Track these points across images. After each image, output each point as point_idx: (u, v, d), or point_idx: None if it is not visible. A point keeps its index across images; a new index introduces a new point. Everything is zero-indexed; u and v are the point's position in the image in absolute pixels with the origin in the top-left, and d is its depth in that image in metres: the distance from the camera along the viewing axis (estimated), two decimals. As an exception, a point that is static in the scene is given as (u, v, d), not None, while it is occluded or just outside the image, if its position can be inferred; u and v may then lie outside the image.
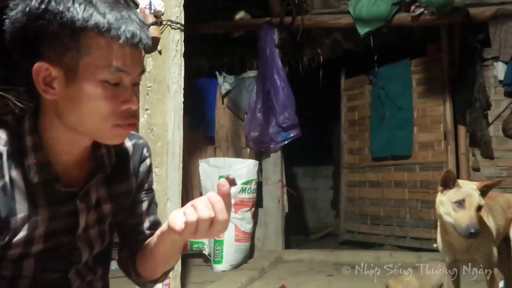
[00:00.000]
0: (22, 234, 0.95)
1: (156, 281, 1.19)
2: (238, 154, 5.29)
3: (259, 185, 5.04)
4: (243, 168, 4.57)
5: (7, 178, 0.93)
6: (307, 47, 5.51)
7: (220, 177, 4.49)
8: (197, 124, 5.40)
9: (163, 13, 2.67)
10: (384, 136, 5.42)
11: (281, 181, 5.13)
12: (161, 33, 2.67)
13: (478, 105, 4.67)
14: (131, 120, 0.96)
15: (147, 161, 1.18)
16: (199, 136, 5.44)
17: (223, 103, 5.42)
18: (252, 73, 5.29)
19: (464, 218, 2.21)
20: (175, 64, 2.76)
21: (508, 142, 4.84)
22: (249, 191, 4.58)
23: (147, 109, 2.69)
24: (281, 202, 5.13)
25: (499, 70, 4.78)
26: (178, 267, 2.79)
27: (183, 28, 2.83)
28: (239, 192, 4.51)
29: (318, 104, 6.82)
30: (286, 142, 5.00)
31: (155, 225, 1.20)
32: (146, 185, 1.18)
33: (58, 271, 1.03)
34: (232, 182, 0.93)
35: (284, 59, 5.25)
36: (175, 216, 0.93)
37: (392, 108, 5.37)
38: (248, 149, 5.22)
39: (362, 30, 4.90)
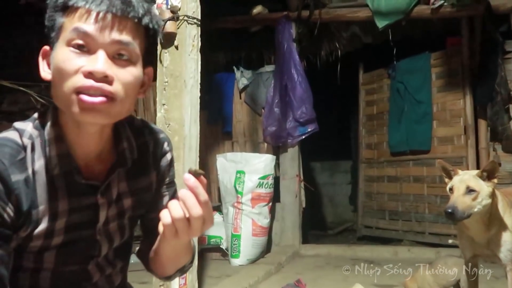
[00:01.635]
0: (43, 226, 0.96)
1: (170, 278, 1.20)
2: (255, 149, 5.30)
3: (277, 179, 5.04)
4: (260, 163, 4.57)
5: (30, 171, 0.94)
6: (325, 41, 5.48)
7: (238, 172, 4.52)
8: (215, 119, 5.42)
9: (179, 8, 2.68)
10: (403, 130, 5.36)
11: (298, 175, 5.12)
12: (178, 28, 2.68)
13: (499, 99, 4.58)
14: (92, 86, 0.91)
15: (168, 156, 1.17)
16: (217, 130, 5.46)
17: (240, 98, 5.43)
18: (269, 68, 5.29)
19: (449, 201, 2.21)
20: (191, 59, 2.77)
21: (530, 136, 4.75)
22: (266, 186, 4.58)
23: (164, 104, 2.71)
24: (299, 197, 5.12)
25: (521, 63, 4.69)
26: (195, 261, 2.80)
27: (199, 23, 2.84)
28: (256, 187, 4.52)
29: (336, 99, 6.79)
30: (303, 137, 4.99)
31: None
32: (167, 179, 1.18)
33: (78, 263, 1.05)
34: (196, 174, 0.89)
35: (302, 53, 5.23)
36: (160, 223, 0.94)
37: (411, 102, 5.30)
38: (266, 144, 5.22)
39: (380, 23, 4.85)
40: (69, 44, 0.92)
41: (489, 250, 2.36)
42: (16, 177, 0.92)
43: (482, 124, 4.83)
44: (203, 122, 5.25)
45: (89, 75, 0.91)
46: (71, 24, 0.93)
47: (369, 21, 4.93)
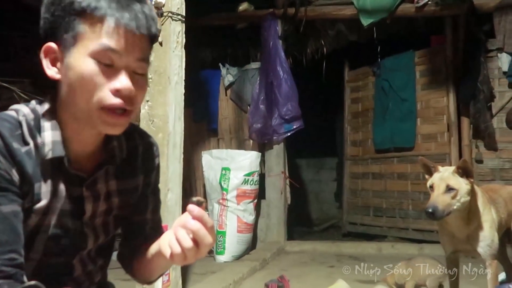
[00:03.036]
0: (44, 201, 0.98)
1: (153, 282, 1.24)
2: (241, 145, 5.31)
3: (262, 176, 5.06)
4: (246, 160, 4.58)
5: (31, 145, 0.97)
6: (311, 38, 5.51)
7: (223, 169, 4.53)
8: (200, 116, 5.43)
9: (164, 5, 2.67)
10: (387, 128, 5.41)
11: (284, 172, 5.14)
12: (162, 24, 2.67)
13: (482, 97, 4.66)
14: (121, 104, 0.96)
15: (156, 160, 1.20)
16: (202, 127, 5.46)
17: (226, 95, 5.44)
18: (255, 65, 5.30)
19: (430, 200, 2.25)
20: (176, 56, 2.76)
21: (511, 134, 4.82)
22: (251, 183, 4.59)
23: (148, 101, 2.70)
24: (284, 194, 5.14)
25: (504, 61, 4.76)
26: (179, 257, 2.81)
27: (184, 19, 2.83)
28: (242, 183, 4.53)
29: (322, 96, 6.82)
30: (288, 134, 5.01)
31: (158, 225, 1.23)
32: (153, 184, 1.21)
33: (64, 255, 1.06)
34: (198, 203, 0.95)
35: (288, 50, 5.25)
36: (164, 244, 1.00)
37: (396, 100, 5.35)
38: (251, 141, 5.24)
39: (365, 21, 4.88)
40: (94, 56, 0.94)
41: (469, 245, 2.40)
42: (17, 146, 0.95)
43: (465, 121, 4.90)
44: (188, 119, 5.29)
45: (116, 92, 0.95)
46: (95, 36, 0.93)
47: (355, 19, 4.97)
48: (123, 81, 0.95)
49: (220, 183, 4.57)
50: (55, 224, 1.02)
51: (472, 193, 2.31)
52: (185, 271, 3.83)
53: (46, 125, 1.00)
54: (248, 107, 5.21)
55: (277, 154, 5.12)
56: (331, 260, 4.58)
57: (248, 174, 4.57)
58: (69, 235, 1.05)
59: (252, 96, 5.11)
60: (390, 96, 5.41)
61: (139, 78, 0.99)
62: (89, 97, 0.95)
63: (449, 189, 2.24)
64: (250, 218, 4.62)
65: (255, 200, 4.72)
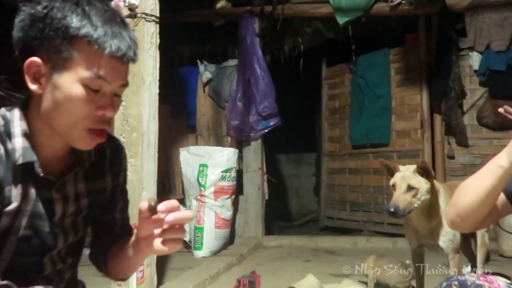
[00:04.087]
0: (15, 204, 1.03)
1: (125, 280, 1.31)
2: (219, 142, 5.36)
3: (240, 172, 5.12)
4: (223, 157, 4.64)
5: (2, 150, 1.01)
6: (288, 36, 5.56)
7: (201, 165, 4.58)
8: (179, 112, 5.46)
9: (137, 6, 2.71)
10: (363, 124, 5.51)
11: (261, 168, 5.21)
12: (136, 26, 2.71)
13: (453, 94, 4.78)
14: (103, 125, 1.04)
15: (124, 162, 1.27)
16: (181, 124, 5.49)
17: (204, 92, 5.48)
18: (233, 62, 5.34)
19: (392, 199, 2.36)
20: (150, 56, 2.81)
21: (482, 130, 4.96)
22: (229, 179, 4.66)
23: (122, 101, 2.74)
24: (261, 189, 5.21)
25: (474, 60, 4.88)
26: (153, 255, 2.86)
27: (158, 20, 2.87)
28: (219, 180, 4.59)
29: (300, 93, 6.89)
30: (266, 131, 5.08)
31: (127, 224, 1.30)
32: (121, 185, 1.27)
33: (35, 255, 1.10)
34: (152, 209, 1.00)
35: (265, 48, 5.30)
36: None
37: (371, 97, 5.45)
38: (229, 138, 5.29)
39: (341, 20, 4.96)
40: (84, 82, 0.99)
41: (432, 240, 2.50)
42: None
43: (438, 118, 5.02)
44: (167, 115, 5.34)
45: (102, 115, 1.03)
46: (88, 64, 0.99)
47: (331, 17, 5.03)
48: (109, 107, 1.03)
49: (197, 179, 4.63)
50: (26, 226, 1.06)
51: (432, 191, 2.40)
52: (162, 267, 3.89)
53: (17, 131, 1.04)
54: (226, 104, 5.26)
55: (254, 151, 5.19)
56: (307, 255, 4.67)
57: (226, 171, 4.63)
58: (39, 236, 1.09)
59: (230, 93, 5.16)
60: (366, 93, 5.51)
61: (117, 99, 1.07)
62: (75, 119, 1.02)
63: (410, 188, 2.35)
64: (227, 213, 4.69)
65: (233, 196, 4.78)
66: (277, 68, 5.49)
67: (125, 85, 1.07)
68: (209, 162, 4.61)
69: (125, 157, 1.27)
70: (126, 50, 1.01)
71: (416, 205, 2.35)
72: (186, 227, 4.72)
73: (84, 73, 0.99)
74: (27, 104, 1.08)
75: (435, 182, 2.49)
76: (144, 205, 1.00)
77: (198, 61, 5.43)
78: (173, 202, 1.00)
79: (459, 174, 4.88)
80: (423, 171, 2.38)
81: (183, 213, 1.01)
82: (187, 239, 4.74)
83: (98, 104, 1.02)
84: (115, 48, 0.99)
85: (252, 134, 5.07)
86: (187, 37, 5.53)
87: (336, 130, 6.06)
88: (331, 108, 6.18)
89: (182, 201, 4.98)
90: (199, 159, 4.68)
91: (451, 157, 5.01)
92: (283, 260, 4.45)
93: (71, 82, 0.99)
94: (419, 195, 2.35)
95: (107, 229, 1.26)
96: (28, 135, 1.05)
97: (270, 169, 5.61)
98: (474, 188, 1.18)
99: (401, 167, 2.45)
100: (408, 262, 2.83)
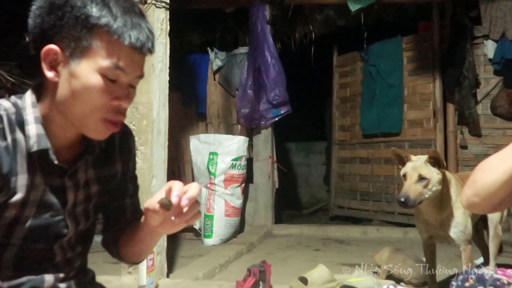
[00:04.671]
0: (20, 195, 1.01)
1: (138, 263, 1.31)
2: (229, 130, 5.34)
3: (250, 161, 5.11)
4: (233, 145, 4.62)
5: (9, 140, 1.00)
6: (299, 23, 5.49)
7: (211, 153, 4.57)
8: (189, 100, 5.44)
9: (147, -8, 2.68)
10: (375, 113, 5.46)
11: (271, 157, 5.19)
12: (146, 12, 2.68)
13: (467, 83, 4.70)
14: (118, 116, 1.03)
15: (133, 149, 1.27)
16: (191, 112, 5.48)
17: (214, 79, 5.45)
18: (243, 49, 5.30)
19: (402, 189, 2.32)
20: (160, 43, 2.78)
21: (495, 120, 4.89)
22: (239, 167, 4.64)
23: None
24: (271, 178, 5.20)
25: (489, 48, 4.80)
26: (164, 242, 2.87)
27: (168, 6, 2.84)
28: (229, 168, 4.57)
29: (311, 81, 6.84)
30: (276, 119, 5.04)
31: (137, 209, 1.28)
32: (131, 171, 1.27)
33: (45, 242, 1.09)
34: (165, 205, 0.99)
35: (276, 35, 5.25)
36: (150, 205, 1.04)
37: (383, 86, 5.39)
38: (239, 126, 5.26)
39: (353, 7, 4.87)
40: (102, 72, 0.99)
41: (443, 231, 2.47)
42: None
43: (450, 108, 4.95)
44: (177, 103, 5.32)
45: (118, 105, 1.02)
46: (107, 54, 0.98)
47: (343, 4, 4.95)
48: (125, 98, 1.03)
49: (207, 167, 4.62)
50: (35, 215, 1.05)
51: (443, 182, 2.36)
52: (173, 254, 3.90)
53: (30, 118, 1.03)
54: (236, 92, 5.23)
55: (264, 139, 5.16)
56: (317, 244, 4.66)
57: (236, 159, 4.62)
58: (50, 224, 1.08)
59: (240, 81, 5.13)
60: (378, 82, 5.45)
61: (132, 90, 1.06)
62: (91, 109, 1.01)
63: (421, 178, 2.30)
64: (237, 202, 4.68)
65: (243, 185, 4.77)
66: (288, 56, 5.43)
67: (141, 76, 1.06)
68: (219, 150, 4.59)
69: (134, 143, 1.27)
70: (145, 41, 1.00)
71: (427, 195, 2.31)
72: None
73: (102, 62, 0.98)
74: (39, 91, 1.07)
75: (447, 172, 2.45)
76: (156, 207, 1.00)
77: (208, 49, 5.39)
78: (179, 187, 0.99)
79: (472, 164, 4.82)
80: (435, 161, 2.34)
81: (193, 190, 1.00)
82: (197, 227, 4.75)
83: (114, 94, 1.01)
84: (134, 38, 0.98)
85: (262, 123, 5.04)
86: (197, 24, 5.50)
87: (347, 119, 6.01)
88: (342, 96, 6.12)
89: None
90: (209, 147, 4.67)
91: (464, 147, 4.95)
92: (293, 249, 4.44)
93: (89, 71, 0.99)
94: (430, 186, 2.31)
95: (118, 215, 1.26)
96: (41, 122, 1.04)
97: (280, 157, 5.58)
98: (497, 166, 1.12)
99: (413, 157, 2.40)
100: (424, 259, 2.79)
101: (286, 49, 5.51)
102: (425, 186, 2.31)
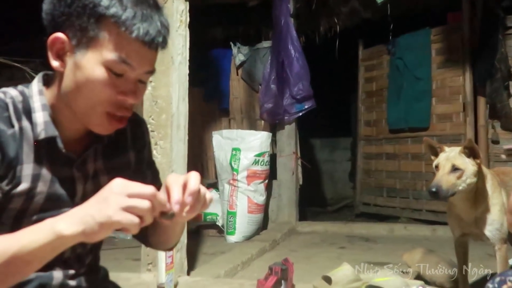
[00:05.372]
0: (25, 185, 0.98)
1: (171, 249, 1.28)
2: (252, 126, 5.27)
3: (273, 157, 5.03)
4: (256, 140, 4.55)
5: (16, 128, 0.97)
6: (324, 16, 5.38)
7: (234, 149, 4.52)
8: (211, 96, 5.40)
9: (166, -17, 2.62)
10: (402, 107, 5.31)
11: (295, 153, 5.10)
12: (165, 3, 2.63)
13: (499, 76, 4.51)
14: (123, 111, 0.99)
15: (146, 137, 1.22)
16: (213, 107, 5.44)
17: (237, 74, 5.39)
18: (266, 44, 5.22)
19: (434, 179, 2.19)
20: (179, 36, 2.72)
21: (529, 114, 4.68)
22: (262, 163, 4.57)
23: (151, 81, 2.67)
24: (295, 174, 5.11)
25: (523, 38, 4.60)
26: (184, 239, 2.81)
27: (188, -2, 2.78)
28: (252, 164, 4.50)
29: (336, 75, 6.72)
30: (300, 114, 4.94)
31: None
32: (147, 159, 1.23)
33: None
34: (169, 217, 0.89)
35: (300, 29, 5.15)
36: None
37: (410, 79, 5.24)
38: (263, 121, 5.19)
39: (379, -2, 4.74)
40: (107, 65, 0.94)
41: (477, 229, 2.34)
42: (3, 128, 0.95)
43: (481, 101, 4.77)
44: (199, 99, 5.28)
45: (123, 101, 0.98)
46: (114, 46, 0.94)
47: (368, -5, 4.83)
48: (131, 94, 0.98)
49: (230, 163, 4.56)
50: (44, 207, 1.01)
51: (479, 174, 2.23)
52: (195, 251, 3.86)
53: (37, 106, 1.00)
54: (259, 87, 5.15)
55: (288, 135, 5.08)
56: (342, 241, 4.55)
57: (259, 155, 4.54)
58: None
59: (263, 75, 5.05)
60: (405, 75, 5.30)
61: (141, 86, 1.02)
62: (94, 102, 0.97)
63: (454, 169, 2.17)
64: (260, 198, 4.61)
65: (266, 181, 4.69)
66: (312, 50, 5.33)
67: (152, 72, 1.01)
68: (242, 146, 4.52)
69: (147, 131, 1.23)
70: (155, 35, 0.95)
71: (461, 187, 2.18)
72: (219, 211, 4.67)
73: (108, 55, 0.94)
74: (48, 80, 1.04)
75: (482, 166, 2.32)
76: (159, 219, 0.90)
77: (231, 43, 5.33)
78: (177, 188, 0.89)
79: (504, 160, 4.64)
80: (470, 152, 2.20)
81: (193, 184, 0.90)
82: (220, 223, 4.70)
83: (120, 89, 0.97)
84: (143, 32, 0.93)
85: (286, 118, 4.96)
86: (220, 18, 5.44)
87: (373, 114, 5.87)
88: (368, 91, 5.98)
89: (214, 185, 4.93)
90: (232, 143, 4.60)
91: (496, 142, 4.76)
92: (317, 247, 4.35)
93: (93, 63, 0.95)
94: (464, 177, 2.18)
95: None
96: (48, 111, 1.01)
97: (304, 153, 5.49)
98: None
99: (447, 148, 2.27)
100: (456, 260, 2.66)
101: (310, 43, 5.41)
102: (459, 177, 2.17)
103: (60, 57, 0.97)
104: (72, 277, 1.09)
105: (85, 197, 1.06)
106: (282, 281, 2.45)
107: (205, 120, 5.35)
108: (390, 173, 5.60)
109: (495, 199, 2.30)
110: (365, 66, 6.01)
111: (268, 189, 4.86)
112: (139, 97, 1.01)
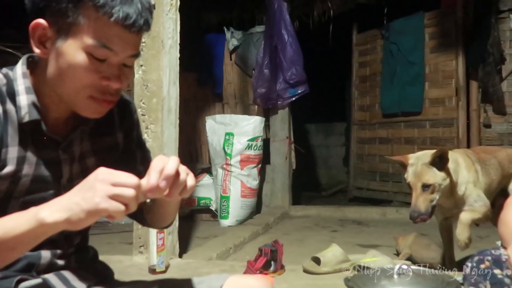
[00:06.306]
0: (10, 167, 0.98)
1: (168, 227, 1.27)
2: (246, 111, 5.27)
3: (267, 142, 5.04)
4: (249, 125, 4.56)
5: (0, 111, 0.96)
6: (318, 0, 5.36)
7: (227, 134, 4.53)
8: (205, 81, 5.39)
9: (156, -34, 2.61)
10: (395, 92, 5.32)
11: (288, 137, 5.11)
12: (154, -13, 2.62)
13: (492, 60, 4.53)
14: (107, 96, 0.99)
15: (134, 116, 1.22)
16: (207, 92, 5.43)
17: (231, 59, 5.37)
18: (260, 28, 5.20)
19: (412, 203, 2.21)
20: (169, 19, 2.72)
21: (521, 98, 4.71)
22: (255, 148, 4.58)
23: (141, 65, 2.67)
24: (289, 159, 5.13)
25: (515, 22, 4.60)
26: (176, 222, 2.83)
27: (178, -19, 2.77)
28: (245, 148, 4.52)
29: (330, 60, 6.71)
30: (293, 99, 4.95)
31: None
32: (136, 139, 1.23)
33: None
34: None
35: (293, 13, 5.13)
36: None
37: (404, 64, 5.24)
38: (256, 106, 5.20)
39: (373, -18, 4.74)
40: (89, 51, 0.93)
41: (457, 209, 2.37)
42: None
43: (474, 85, 4.79)
44: (193, 83, 5.27)
45: (106, 86, 0.97)
46: (94, 32, 0.92)
47: (362, -21, 4.82)
48: (115, 79, 0.97)
49: (223, 148, 4.57)
50: (30, 189, 1.02)
51: (448, 173, 2.25)
52: (188, 235, 3.89)
53: (21, 89, 0.99)
54: (253, 72, 5.15)
55: (281, 119, 5.09)
56: (335, 225, 4.60)
57: (252, 139, 4.56)
58: (44, 200, 1.05)
59: (257, 60, 5.04)
60: (398, 60, 5.30)
61: (127, 70, 1.01)
62: (77, 87, 0.96)
63: (425, 186, 2.19)
64: (254, 183, 4.63)
65: (259, 165, 4.72)
66: (306, 34, 5.31)
67: (136, 55, 1.00)
68: (235, 131, 4.54)
69: (135, 111, 1.23)
70: (136, 18, 0.93)
71: (437, 197, 2.23)
72: (213, 196, 4.70)
73: (88, 40, 0.92)
74: (34, 63, 1.03)
75: (451, 153, 2.33)
76: None
77: (225, 28, 5.30)
78: (153, 173, 0.89)
79: (496, 143, 4.67)
80: (440, 158, 2.21)
81: (168, 168, 0.89)
82: (213, 208, 4.73)
83: (103, 74, 0.96)
84: (123, 15, 0.91)
85: (279, 102, 4.96)
86: (214, 3, 5.41)
87: (367, 99, 5.89)
88: (361, 75, 5.99)
89: (208, 170, 4.95)
90: (225, 128, 4.61)
91: (488, 126, 4.79)
92: (310, 230, 4.38)
93: (74, 49, 0.93)
94: (437, 189, 2.21)
95: None
96: (33, 93, 1.00)
97: (298, 139, 5.50)
98: None
99: (411, 159, 2.27)
100: None
101: (304, 28, 5.39)
102: (432, 192, 2.20)
103: (42, 43, 0.96)
104: (61, 257, 1.10)
105: (71, 179, 1.09)
106: (272, 262, 2.49)
107: (199, 105, 5.35)
108: (383, 158, 5.62)
109: (471, 178, 2.33)
110: (359, 51, 6.00)
111: (262, 173, 4.89)
112: (125, 82, 1.01)
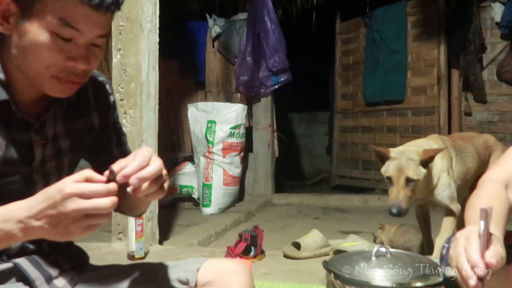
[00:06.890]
0: None
1: (141, 215, 1.27)
2: (228, 98, 5.24)
3: (250, 130, 5.02)
4: (232, 113, 4.53)
5: None
6: (301, -12, 5.33)
7: (209, 122, 4.49)
8: (187, 69, 5.33)
9: None
10: (378, 80, 5.33)
11: (271, 126, 5.10)
12: (132, -32, 2.57)
13: (473, 48, 4.55)
14: (72, 77, 0.95)
15: (111, 98, 1.18)
16: (189, 80, 5.38)
17: (213, 47, 5.32)
18: (243, 16, 5.16)
19: (390, 195, 2.14)
20: (148, 2, 2.67)
21: (501, 86, 4.75)
22: (237, 136, 4.56)
23: (120, 49, 2.62)
24: (271, 147, 5.13)
25: (496, 11, 4.63)
26: (155, 208, 2.81)
27: (157, -37, 2.72)
28: (228, 136, 4.49)
29: (314, 49, 6.69)
30: (276, 87, 4.92)
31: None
32: (112, 121, 1.20)
33: (12, 200, 1.02)
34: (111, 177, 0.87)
35: (277, 1, 5.09)
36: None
37: (386, 52, 5.25)
38: (239, 94, 5.17)
39: (355, -30, 4.72)
40: (53, 30, 0.89)
41: (432, 197, 2.37)
42: None
43: (455, 74, 4.82)
44: (176, 71, 5.22)
45: (72, 67, 0.94)
46: (58, 10, 0.88)
47: (345, -33, 4.80)
48: (81, 60, 0.94)
49: (205, 136, 4.54)
50: (1, 172, 0.99)
51: (430, 171, 2.24)
52: (170, 223, 3.86)
53: None
54: (236, 59, 5.11)
55: (264, 107, 5.07)
56: (317, 213, 4.61)
57: (234, 127, 4.53)
58: (16, 183, 1.02)
59: (239, 48, 5.00)
60: (381, 48, 5.30)
61: (96, 50, 0.97)
62: (40, 67, 0.93)
63: (408, 181, 2.13)
64: (236, 171, 4.62)
65: (242, 153, 4.70)
66: (289, 23, 5.29)
67: (105, 35, 0.96)
68: (217, 119, 4.50)
69: (112, 92, 1.19)
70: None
71: (417, 192, 2.20)
72: (195, 184, 4.68)
73: (52, 19, 0.89)
74: (1, 42, 0.99)
75: (426, 140, 2.34)
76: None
77: (207, 15, 5.25)
78: (135, 163, 0.87)
79: (476, 131, 4.69)
80: (431, 159, 2.18)
81: (147, 171, 0.87)
82: (195, 196, 4.71)
83: (68, 54, 0.92)
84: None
85: (262, 90, 4.94)
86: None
87: (350, 87, 5.89)
88: (344, 64, 5.98)
89: (190, 158, 4.92)
90: (207, 116, 4.58)
91: (468, 114, 4.83)
92: (292, 218, 4.39)
93: (38, 27, 0.90)
94: (418, 185, 2.16)
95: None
96: (1, 74, 0.97)
97: (282, 128, 5.49)
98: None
99: (393, 153, 2.18)
100: None
101: (287, 16, 5.36)
102: (413, 188, 2.15)
103: (5, 18, 0.92)
104: (32, 241, 1.07)
105: (44, 162, 1.06)
106: (252, 247, 2.48)
107: (181, 93, 5.31)
108: (366, 146, 5.64)
109: (444, 166, 2.32)
110: (342, 39, 5.99)
111: (244, 162, 4.87)
112: (94, 62, 0.97)
